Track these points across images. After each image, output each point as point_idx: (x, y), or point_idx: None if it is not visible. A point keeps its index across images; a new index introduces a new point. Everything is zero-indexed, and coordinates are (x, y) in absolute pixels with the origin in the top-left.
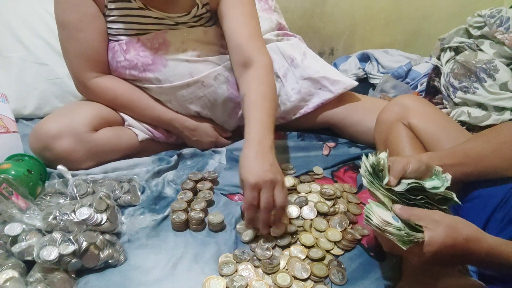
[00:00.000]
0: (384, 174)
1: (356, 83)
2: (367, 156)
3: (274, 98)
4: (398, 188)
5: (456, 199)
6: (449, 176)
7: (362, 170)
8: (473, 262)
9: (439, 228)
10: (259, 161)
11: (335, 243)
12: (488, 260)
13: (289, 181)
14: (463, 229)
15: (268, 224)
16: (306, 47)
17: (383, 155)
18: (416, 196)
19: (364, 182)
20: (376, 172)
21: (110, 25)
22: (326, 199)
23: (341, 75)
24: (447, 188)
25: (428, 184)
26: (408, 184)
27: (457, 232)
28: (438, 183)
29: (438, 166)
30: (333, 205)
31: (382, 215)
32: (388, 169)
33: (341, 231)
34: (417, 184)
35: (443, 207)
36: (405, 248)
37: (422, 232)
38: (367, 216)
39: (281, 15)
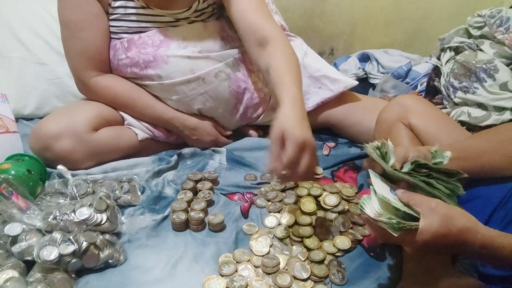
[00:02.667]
0: (389, 157)
1: (356, 83)
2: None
3: (299, 69)
4: (404, 170)
5: (462, 172)
6: (448, 152)
7: (369, 148)
8: (466, 252)
9: (434, 216)
10: (304, 123)
11: (343, 250)
12: (481, 252)
13: (332, 199)
14: (459, 219)
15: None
16: (308, 48)
17: (384, 140)
18: (423, 173)
19: (374, 156)
20: (382, 155)
21: (112, 23)
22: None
23: (341, 74)
24: None
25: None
26: (412, 163)
27: (451, 222)
28: (440, 159)
29: (435, 146)
30: (339, 203)
31: (381, 188)
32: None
33: (343, 232)
34: (419, 162)
35: (451, 180)
36: (396, 235)
37: (418, 219)
38: (361, 206)
39: (281, 18)
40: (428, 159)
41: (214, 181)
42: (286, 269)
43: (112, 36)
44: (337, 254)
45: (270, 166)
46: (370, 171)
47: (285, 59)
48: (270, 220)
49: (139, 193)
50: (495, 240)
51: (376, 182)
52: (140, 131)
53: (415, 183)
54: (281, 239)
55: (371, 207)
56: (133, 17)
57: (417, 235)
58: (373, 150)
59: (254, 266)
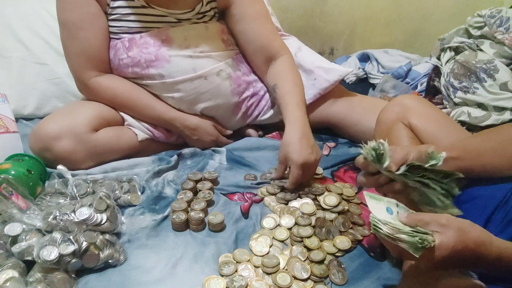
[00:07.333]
0: (385, 158)
1: (351, 70)
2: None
3: (302, 85)
4: (398, 172)
5: (457, 173)
6: (443, 153)
7: (365, 151)
8: (482, 266)
9: (449, 232)
10: (304, 143)
11: (343, 250)
12: (497, 264)
13: (332, 199)
14: (472, 232)
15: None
16: (302, 44)
17: (382, 140)
18: (418, 174)
19: (369, 157)
20: (377, 156)
21: (112, 23)
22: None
23: (335, 64)
24: None
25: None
26: (407, 165)
27: (467, 235)
28: (435, 161)
29: (431, 147)
30: (339, 203)
31: (378, 211)
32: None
33: (343, 232)
34: (413, 164)
35: (446, 180)
36: (417, 256)
37: (429, 235)
38: (375, 226)
39: (277, 19)
40: (425, 158)
41: (214, 181)
42: (286, 269)
43: (112, 36)
44: (337, 254)
45: (275, 176)
46: (365, 193)
47: (290, 79)
48: (268, 222)
49: (139, 193)
50: (511, 251)
51: (373, 204)
52: (140, 131)
53: (409, 184)
54: (281, 241)
55: (386, 226)
56: (133, 17)
57: (435, 252)
58: (368, 152)
59: (254, 266)
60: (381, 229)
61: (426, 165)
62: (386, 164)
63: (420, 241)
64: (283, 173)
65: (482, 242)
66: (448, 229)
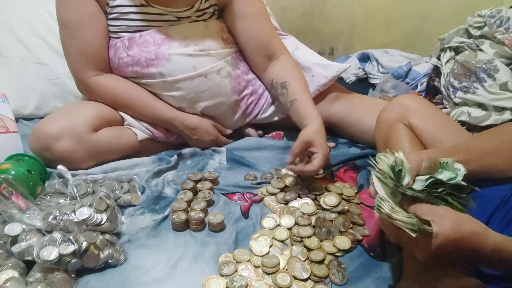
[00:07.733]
0: (404, 174)
1: (348, 65)
2: (379, 158)
3: (308, 84)
4: (417, 186)
5: (472, 186)
6: (459, 165)
7: (379, 171)
8: (478, 259)
9: (446, 222)
10: (325, 137)
11: (343, 250)
12: (493, 257)
13: (332, 199)
14: (469, 224)
15: None
16: (299, 44)
17: (401, 155)
18: (437, 189)
19: (381, 185)
20: (396, 173)
21: (111, 22)
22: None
23: (332, 62)
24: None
25: (442, 176)
26: (426, 180)
27: (463, 226)
28: (451, 173)
29: (449, 158)
30: (339, 203)
31: (382, 191)
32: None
33: (343, 232)
34: (434, 179)
35: (463, 195)
36: (414, 235)
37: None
38: (378, 205)
39: (275, 20)
40: (434, 167)
41: (214, 181)
42: (286, 269)
43: (112, 35)
44: (337, 254)
45: (290, 159)
46: (374, 174)
47: (299, 77)
48: (268, 222)
49: (139, 193)
50: (507, 245)
51: (379, 187)
52: (140, 131)
53: (431, 201)
54: (281, 241)
55: (388, 205)
56: (133, 16)
57: (432, 240)
58: (386, 174)
59: (254, 266)
60: (383, 208)
61: (445, 180)
62: (406, 181)
63: (417, 222)
64: (298, 155)
65: (478, 234)
66: (445, 219)
